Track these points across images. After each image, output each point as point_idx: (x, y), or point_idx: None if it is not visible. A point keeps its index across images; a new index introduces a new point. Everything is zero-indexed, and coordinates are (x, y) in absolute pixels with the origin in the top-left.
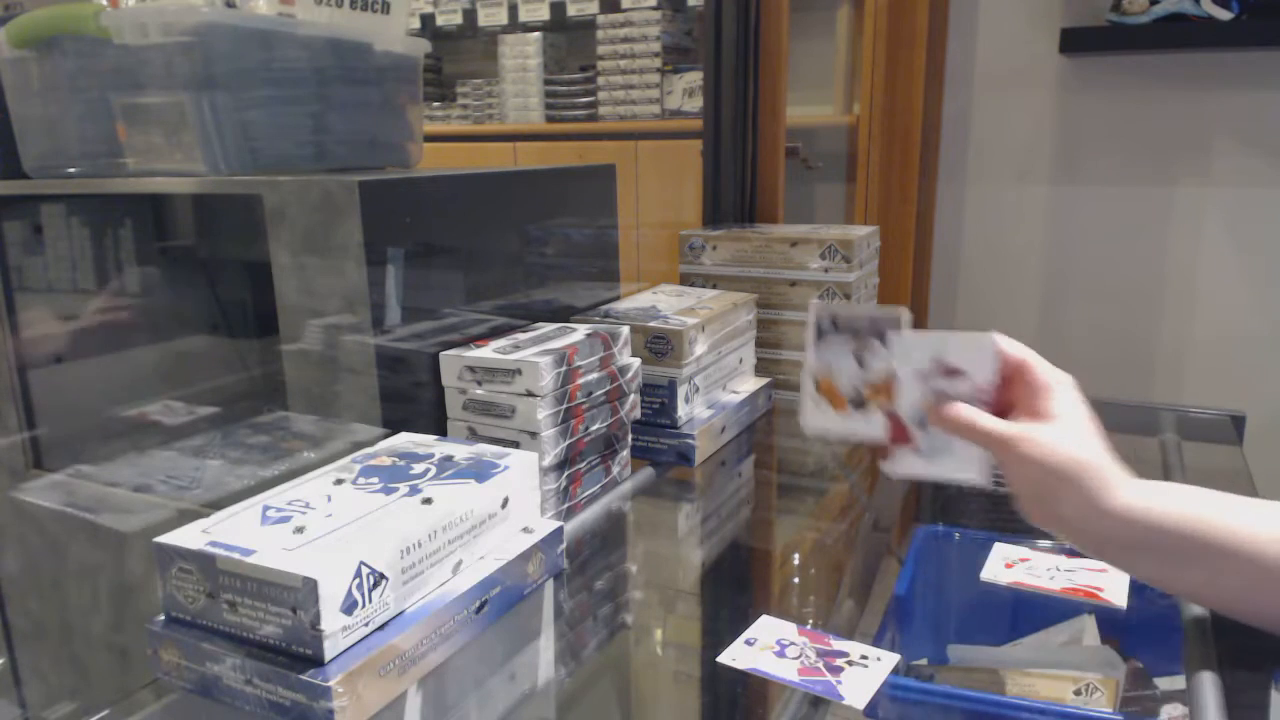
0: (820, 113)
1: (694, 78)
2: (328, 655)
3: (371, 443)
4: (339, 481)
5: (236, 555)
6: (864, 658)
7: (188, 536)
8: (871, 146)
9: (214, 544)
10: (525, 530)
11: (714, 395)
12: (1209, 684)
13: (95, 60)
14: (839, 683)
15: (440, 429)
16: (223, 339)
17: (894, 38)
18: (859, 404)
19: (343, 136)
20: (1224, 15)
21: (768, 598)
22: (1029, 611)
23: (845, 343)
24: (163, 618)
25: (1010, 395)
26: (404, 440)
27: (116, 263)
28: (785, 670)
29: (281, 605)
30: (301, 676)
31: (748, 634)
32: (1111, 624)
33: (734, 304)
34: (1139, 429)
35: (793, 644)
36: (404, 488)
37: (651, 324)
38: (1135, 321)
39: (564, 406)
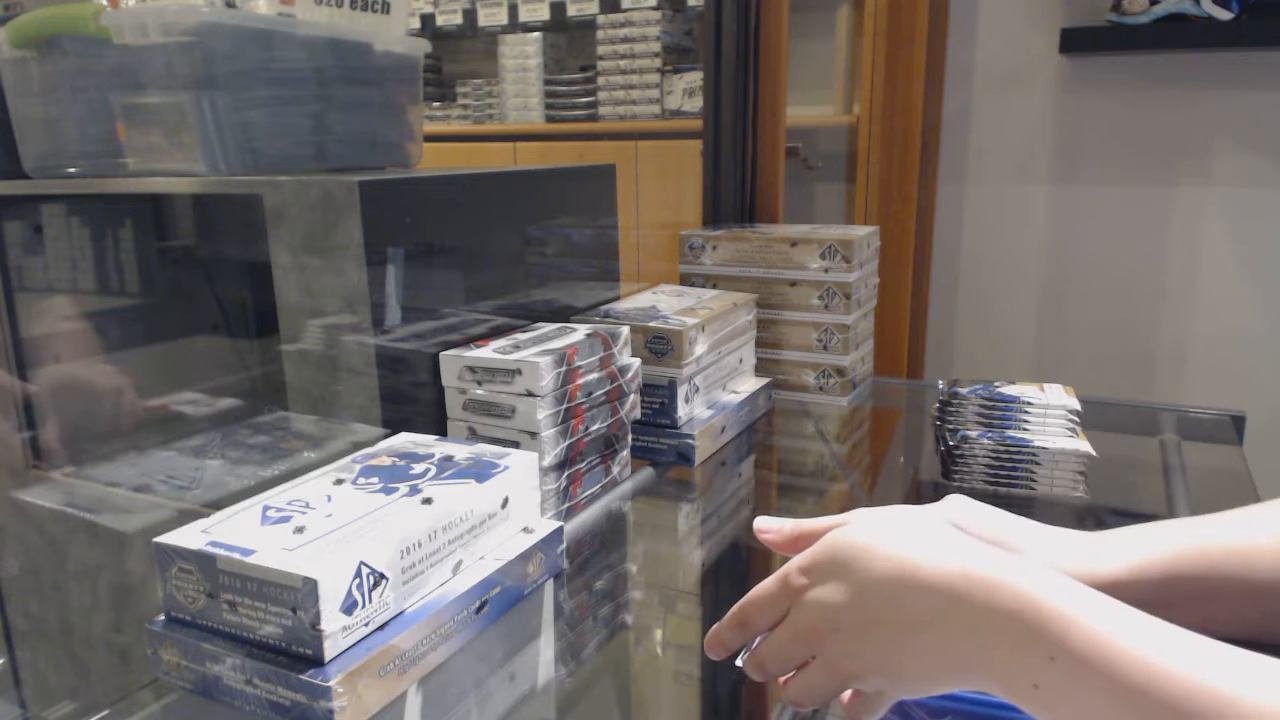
0: (820, 113)
1: (694, 78)
2: (328, 655)
3: (371, 443)
4: (339, 481)
5: (236, 555)
6: None
7: (188, 536)
8: (871, 146)
9: (214, 544)
10: (525, 530)
11: (714, 395)
12: None
13: (95, 60)
14: None
15: (440, 429)
16: (223, 339)
17: (894, 38)
18: None
19: (343, 136)
20: (1224, 15)
21: None
22: None
23: None
24: (163, 618)
25: None
26: (404, 440)
27: (116, 263)
28: None
29: (281, 605)
30: (301, 676)
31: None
32: None
33: (734, 304)
34: (1139, 429)
35: None
36: (404, 488)
37: (651, 324)
38: (1135, 321)
39: (564, 406)
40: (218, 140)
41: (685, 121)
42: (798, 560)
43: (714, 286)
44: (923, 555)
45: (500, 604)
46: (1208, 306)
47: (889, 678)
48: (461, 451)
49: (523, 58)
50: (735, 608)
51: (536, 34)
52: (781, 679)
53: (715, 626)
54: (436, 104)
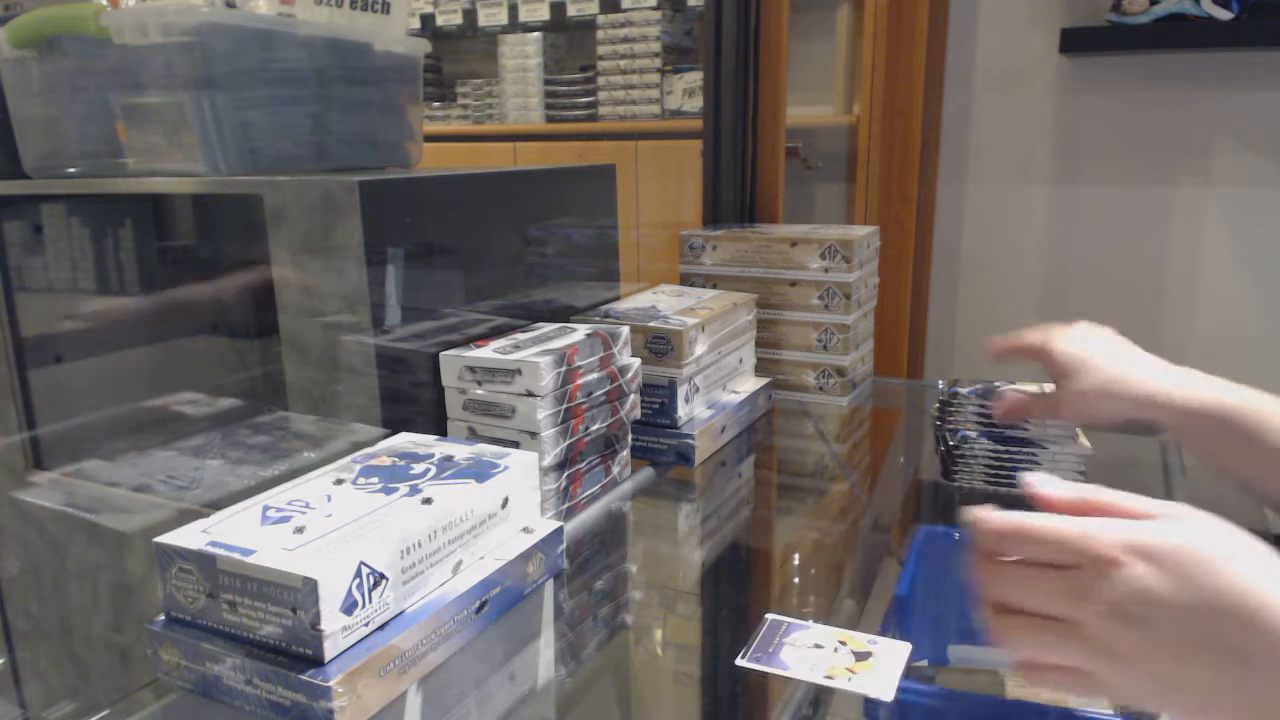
0: (820, 113)
1: (694, 78)
2: (328, 655)
3: (371, 443)
4: (339, 481)
5: (236, 555)
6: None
7: (188, 536)
8: (871, 146)
9: (214, 544)
10: (525, 530)
11: (714, 395)
12: None
13: (95, 60)
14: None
15: (440, 429)
16: (223, 339)
17: (894, 38)
18: None
19: (343, 136)
20: (1224, 15)
21: (768, 598)
22: None
23: None
24: (163, 618)
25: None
26: (404, 440)
27: (116, 263)
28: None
29: (281, 605)
30: (301, 676)
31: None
32: None
33: (734, 304)
34: (1139, 429)
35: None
36: (404, 488)
37: (651, 324)
38: (1135, 321)
39: (564, 406)
40: (218, 140)
41: (685, 121)
42: (1123, 532)
43: (714, 286)
44: (1267, 591)
45: (500, 604)
46: (1208, 306)
47: (1154, 690)
48: (461, 451)
49: (523, 58)
50: (1017, 523)
51: (536, 34)
52: (998, 609)
53: (991, 514)
54: (436, 104)
